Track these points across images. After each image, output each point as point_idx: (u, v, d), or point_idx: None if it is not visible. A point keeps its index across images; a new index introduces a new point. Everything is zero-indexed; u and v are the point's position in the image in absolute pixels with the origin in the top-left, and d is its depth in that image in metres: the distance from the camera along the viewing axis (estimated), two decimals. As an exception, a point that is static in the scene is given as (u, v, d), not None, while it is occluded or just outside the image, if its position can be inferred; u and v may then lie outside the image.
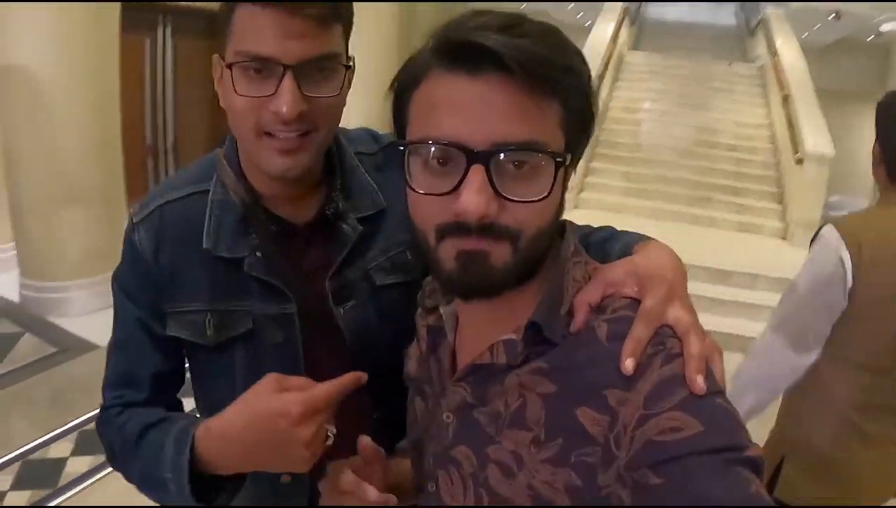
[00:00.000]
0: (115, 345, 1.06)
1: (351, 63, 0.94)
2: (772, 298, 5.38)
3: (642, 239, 0.87)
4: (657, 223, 6.94)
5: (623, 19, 10.24)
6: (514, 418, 0.70)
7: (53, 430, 3.33)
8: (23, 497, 2.89)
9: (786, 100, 8.12)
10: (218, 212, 0.99)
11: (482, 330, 0.76)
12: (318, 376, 0.88)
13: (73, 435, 3.30)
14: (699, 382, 0.60)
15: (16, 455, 3.17)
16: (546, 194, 0.64)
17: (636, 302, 0.69)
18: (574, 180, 4.16)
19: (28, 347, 4.28)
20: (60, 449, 3.21)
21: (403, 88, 0.71)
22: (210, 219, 0.99)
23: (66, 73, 4.34)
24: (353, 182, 1.05)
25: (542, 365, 0.69)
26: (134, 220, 1.02)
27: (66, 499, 2.89)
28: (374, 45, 6.23)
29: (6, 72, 4.26)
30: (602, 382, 0.63)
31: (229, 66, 0.87)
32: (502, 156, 0.63)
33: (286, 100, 0.85)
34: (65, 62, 4.32)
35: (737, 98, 9.63)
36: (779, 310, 1.67)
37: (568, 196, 0.73)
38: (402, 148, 0.68)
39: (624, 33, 10.60)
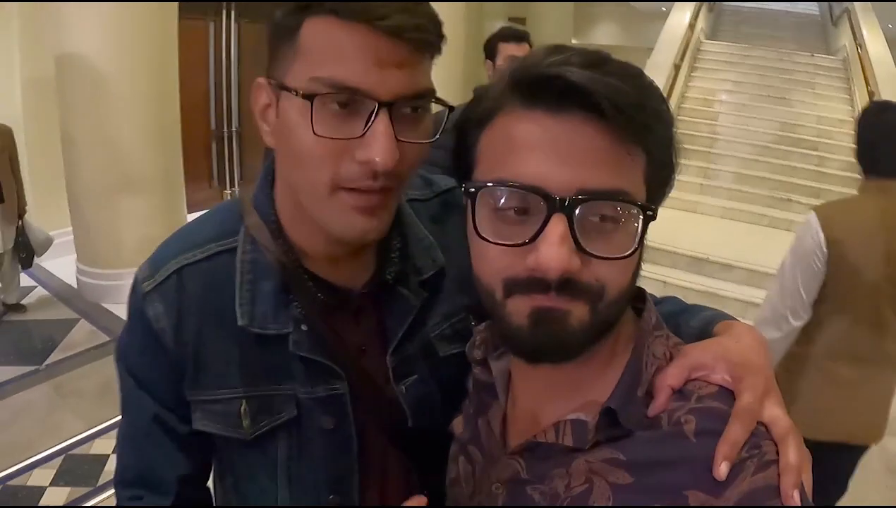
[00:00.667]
0: (127, 439, 0.88)
1: (452, 106, 0.77)
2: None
3: (721, 316, 0.78)
4: (733, 224, 6.59)
5: (700, 6, 9.81)
6: (575, 501, 0.64)
7: (99, 425, 3.30)
8: (62, 493, 2.85)
9: (872, 97, 7.55)
10: (251, 277, 0.82)
11: (541, 398, 0.70)
12: (372, 460, 0.84)
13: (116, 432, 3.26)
14: (795, 499, 0.55)
15: (59, 450, 3.15)
16: (632, 250, 0.59)
17: (724, 390, 0.63)
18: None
19: (82, 335, 4.33)
20: (103, 446, 3.17)
21: (471, 126, 0.64)
22: (242, 286, 0.81)
23: (124, 61, 4.34)
24: (411, 238, 0.88)
25: (619, 456, 0.63)
26: (145, 288, 0.83)
27: (104, 499, 2.84)
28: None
29: (64, 60, 4.31)
30: (685, 482, 0.58)
31: (309, 97, 0.67)
32: (588, 205, 0.57)
33: (382, 147, 0.67)
34: (123, 50, 4.32)
35: (819, 92, 9.04)
36: (772, 291, 2.08)
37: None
38: (472, 190, 0.61)
39: (701, 21, 10.17)
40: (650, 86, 0.60)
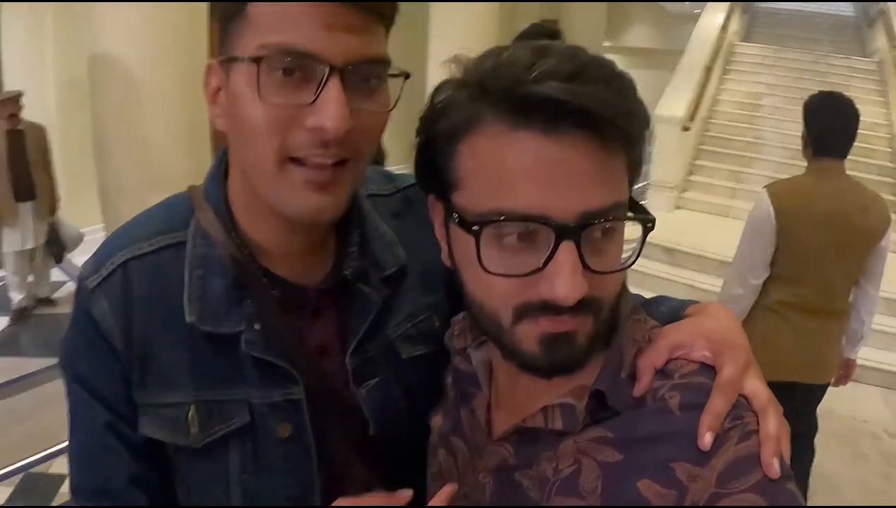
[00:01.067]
0: (79, 454, 0.81)
1: (408, 73, 0.72)
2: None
3: (691, 302, 0.77)
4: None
5: (733, 8, 9.66)
6: (564, 484, 0.65)
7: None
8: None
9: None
10: (201, 272, 0.76)
11: (527, 387, 0.70)
12: (334, 472, 0.80)
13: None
14: (775, 466, 0.57)
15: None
16: (633, 260, 0.61)
17: (705, 367, 0.65)
18: (677, 179, 3.98)
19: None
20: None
21: (441, 139, 0.62)
22: (191, 281, 0.76)
23: (155, 63, 4.38)
24: (371, 233, 0.84)
25: (607, 434, 0.64)
26: (89, 285, 0.77)
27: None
28: (474, 41, 5.94)
29: (97, 61, 4.38)
30: (672, 455, 0.59)
31: (255, 60, 0.64)
32: (592, 228, 0.57)
33: (332, 112, 0.64)
34: (154, 52, 4.37)
35: (854, 95, 8.76)
36: (736, 254, 2.50)
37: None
38: (475, 228, 0.59)
39: (734, 23, 10.01)
40: (629, 86, 0.59)
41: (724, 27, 8.93)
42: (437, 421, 0.83)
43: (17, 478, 3.18)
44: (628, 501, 0.60)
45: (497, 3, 6.32)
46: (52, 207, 4.91)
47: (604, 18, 11.11)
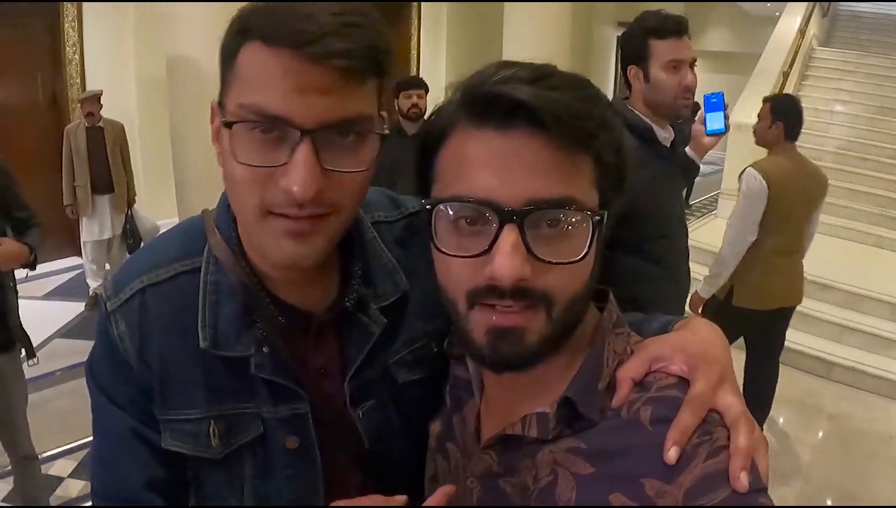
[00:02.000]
0: (101, 458, 0.85)
1: (386, 128, 0.73)
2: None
3: (682, 318, 0.79)
4: (836, 242, 6.26)
5: (812, 10, 9.29)
6: (542, 494, 0.66)
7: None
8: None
9: None
10: (214, 299, 0.80)
11: (511, 396, 0.73)
12: (336, 481, 0.82)
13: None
14: (742, 480, 0.57)
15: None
16: (583, 255, 0.62)
17: (683, 381, 0.65)
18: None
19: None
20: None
21: (429, 144, 0.67)
22: (205, 307, 0.80)
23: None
24: (373, 261, 0.87)
25: (580, 445, 0.65)
26: (108, 307, 0.82)
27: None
28: (547, 44, 5.87)
29: (175, 62, 4.54)
30: (641, 469, 0.60)
31: (228, 125, 0.67)
32: (537, 214, 0.60)
33: (301, 176, 0.65)
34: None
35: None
36: (732, 217, 3.31)
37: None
38: (428, 207, 0.64)
39: (813, 26, 9.63)
40: (594, 97, 0.63)
41: (803, 31, 8.61)
42: (435, 426, 0.86)
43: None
44: None
45: (571, 5, 6.26)
46: (129, 200, 5.13)
47: (681, 21, 10.87)
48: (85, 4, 6.21)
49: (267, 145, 0.67)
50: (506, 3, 6.20)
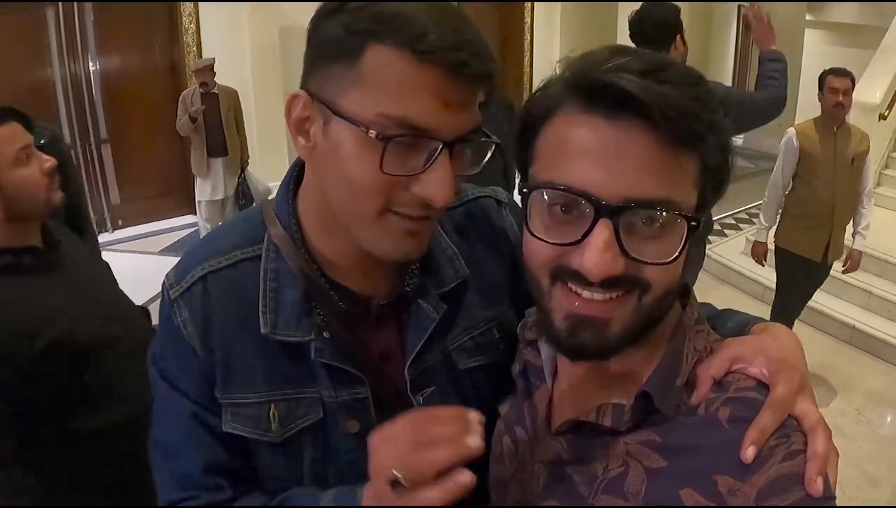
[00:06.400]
0: (166, 451, 0.86)
1: (499, 141, 0.76)
2: None
3: (757, 319, 0.80)
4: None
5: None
6: (611, 484, 0.67)
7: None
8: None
9: None
10: (275, 285, 0.82)
11: (586, 384, 0.73)
12: None
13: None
14: (818, 485, 0.57)
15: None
16: (675, 257, 0.61)
17: (761, 384, 0.65)
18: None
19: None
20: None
21: (532, 120, 0.66)
22: (265, 294, 0.82)
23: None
24: (433, 248, 0.87)
25: (655, 439, 0.66)
26: (171, 295, 0.84)
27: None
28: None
29: (287, 30, 4.66)
30: (715, 466, 0.60)
31: (384, 139, 0.67)
32: (633, 212, 0.59)
33: (442, 187, 0.69)
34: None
35: None
36: (775, 170, 3.72)
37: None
38: (524, 191, 0.65)
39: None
40: (706, 94, 0.61)
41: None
42: (504, 408, 0.87)
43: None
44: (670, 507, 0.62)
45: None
46: (243, 163, 5.35)
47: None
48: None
49: (405, 155, 0.69)
50: (619, 5, 6.10)
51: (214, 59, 5.23)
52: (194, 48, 6.49)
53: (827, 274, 3.85)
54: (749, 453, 0.59)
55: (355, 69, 0.68)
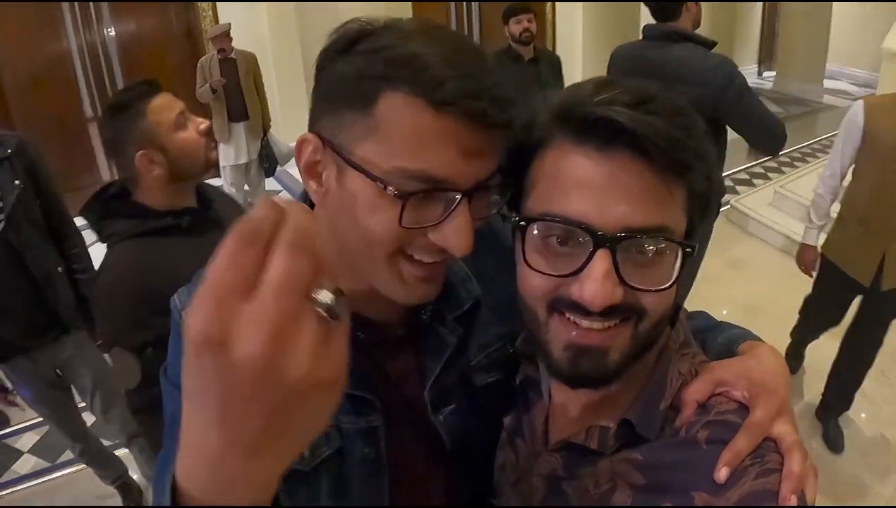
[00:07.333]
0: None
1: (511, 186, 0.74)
2: None
3: (747, 335, 0.82)
4: None
5: None
6: (601, 500, 0.69)
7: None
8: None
9: None
10: None
11: (578, 405, 0.76)
12: (405, 489, 0.84)
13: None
14: (792, 501, 0.59)
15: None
16: (670, 283, 0.63)
17: (742, 406, 0.67)
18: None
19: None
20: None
21: (521, 153, 0.68)
22: None
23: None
24: (447, 270, 0.85)
25: (637, 457, 0.68)
26: (185, 316, 0.81)
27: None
28: None
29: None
30: (692, 484, 0.62)
31: (402, 196, 0.64)
32: (630, 241, 0.60)
33: (461, 238, 0.67)
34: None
35: None
36: (832, 152, 2.80)
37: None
38: (521, 223, 0.65)
39: None
40: (693, 124, 0.62)
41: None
42: (507, 420, 0.88)
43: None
44: None
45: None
46: (265, 126, 5.34)
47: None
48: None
49: (421, 207, 0.67)
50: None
51: (230, 24, 5.18)
52: (210, 12, 6.44)
53: (882, 307, 2.78)
54: (722, 474, 0.61)
55: (369, 117, 0.65)
